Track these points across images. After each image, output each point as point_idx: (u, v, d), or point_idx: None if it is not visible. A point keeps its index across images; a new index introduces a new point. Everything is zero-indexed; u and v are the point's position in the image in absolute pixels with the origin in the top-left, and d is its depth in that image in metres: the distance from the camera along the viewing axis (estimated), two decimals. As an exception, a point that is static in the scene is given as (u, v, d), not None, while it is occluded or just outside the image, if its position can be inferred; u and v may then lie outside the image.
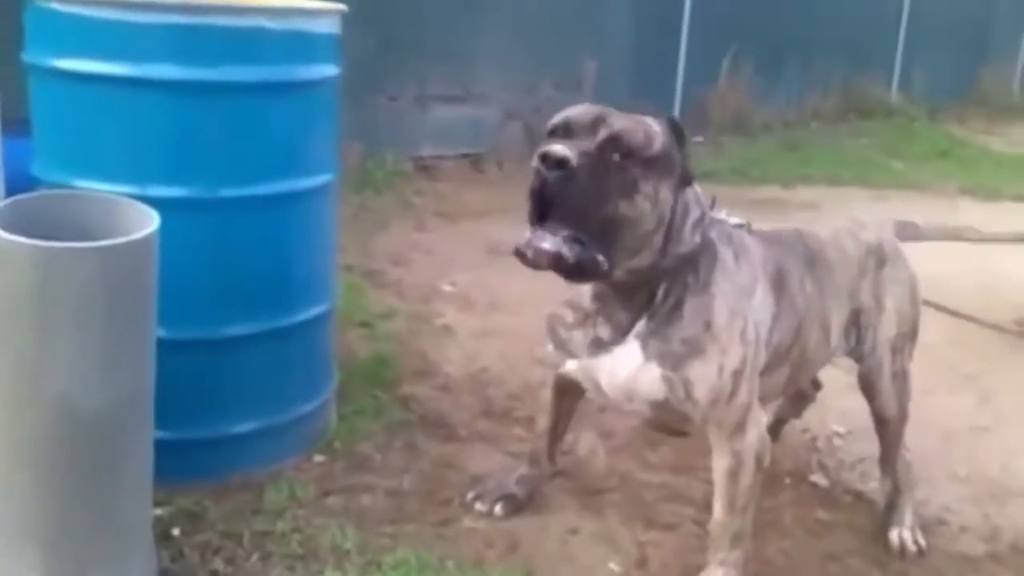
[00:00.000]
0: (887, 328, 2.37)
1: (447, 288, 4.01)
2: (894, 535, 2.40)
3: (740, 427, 2.01)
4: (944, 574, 2.33)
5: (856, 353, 2.39)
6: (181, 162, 2.24)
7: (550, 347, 2.17)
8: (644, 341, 1.94)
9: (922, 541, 2.39)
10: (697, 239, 1.93)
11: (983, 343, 3.83)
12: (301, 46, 2.35)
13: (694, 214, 1.94)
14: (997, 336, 3.88)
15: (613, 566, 2.23)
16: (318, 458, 2.55)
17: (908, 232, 2.61)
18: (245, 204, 2.29)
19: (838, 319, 2.30)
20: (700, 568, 2.15)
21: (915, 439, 2.59)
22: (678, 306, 1.93)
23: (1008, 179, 6.96)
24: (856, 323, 2.34)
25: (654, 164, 1.81)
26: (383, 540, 2.21)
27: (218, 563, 2.07)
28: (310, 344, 2.54)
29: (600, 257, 1.78)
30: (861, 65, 9.23)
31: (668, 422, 2.13)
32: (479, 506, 2.37)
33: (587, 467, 2.66)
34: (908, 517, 2.44)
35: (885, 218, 2.71)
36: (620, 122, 1.81)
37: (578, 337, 2.05)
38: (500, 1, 6.32)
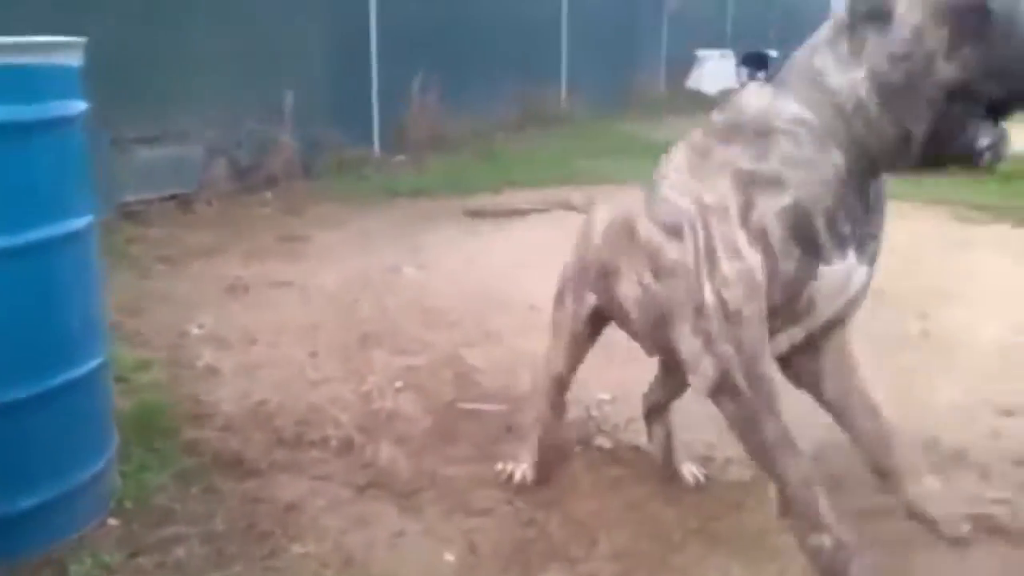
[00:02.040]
0: None
1: (195, 331, 3.85)
2: (686, 471, 2.68)
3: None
4: (727, 499, 2.63)
5: None
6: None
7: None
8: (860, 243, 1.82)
9: (704, 470, 2.71)
10: None
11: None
12: (43, 82, 2.19)
13: None
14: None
15: (448, 557, 2.30)
16: (112, 521, 2.38)
17: None
18: (7, 255, 2.10)
19: None
20: (527, 542, 2.30)
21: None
22: (879, 197, 1.85)
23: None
24: None
25: None
26: (215, 585, 2.13)
27: (41, 646, 1.89)
28: (91, 400, 2.36)
29: None
30: (534, 77, 9.96)
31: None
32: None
33: (393, 474, 2.70)
34: (684, 455, 2.73)
35: None
36: None
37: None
38: (193, 37, 6.12)
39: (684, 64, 14.38)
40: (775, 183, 1.74)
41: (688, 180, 1.90)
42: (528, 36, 9.91)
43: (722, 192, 1.79)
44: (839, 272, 1.79)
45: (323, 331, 3.84)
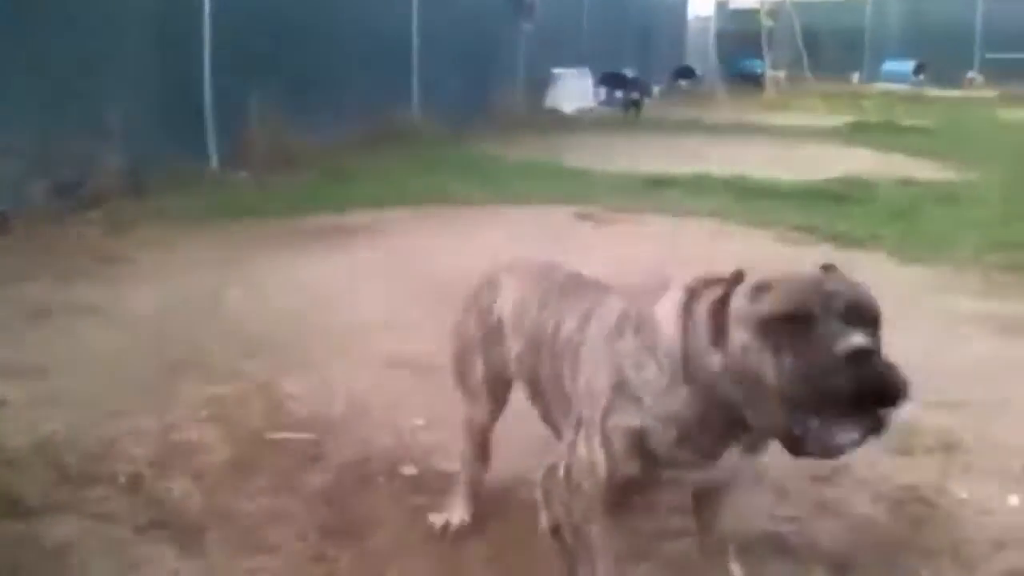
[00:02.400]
0: None
1: (-13, 360, 3.60)
2: None
3: None
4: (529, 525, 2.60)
5: None
6: None
7: None
8: None
9: None
10: None
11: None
12: None
13: None
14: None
15: (225, 599, 2.20)
16: None
17: None
18: None
19: None
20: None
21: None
22: None
23: (525, 184, 7.94)
24: None
25: None
26: (-41, 641, 1.96)
27: None
28: None
29: None
30: (384, 95, 9.88)
31: None
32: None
33: (181, 512, 2.57)
34: None
35: None
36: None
37: None
38: (8, 45, 5.78)
39: (542, 82, 14.57)
40: (635, 401, 1.86)
41: (600, 349, 1.98)
42: (378, 49, 9.81)
43: (603, 386, 1.92)
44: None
45: (129, 359, 3.65)
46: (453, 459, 2.92)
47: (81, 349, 3.75)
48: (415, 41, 10.67)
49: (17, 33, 5.92)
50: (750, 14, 23.88)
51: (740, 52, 23.27)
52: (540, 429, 2.37)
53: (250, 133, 7.74)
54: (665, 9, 22.66)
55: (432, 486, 2.80)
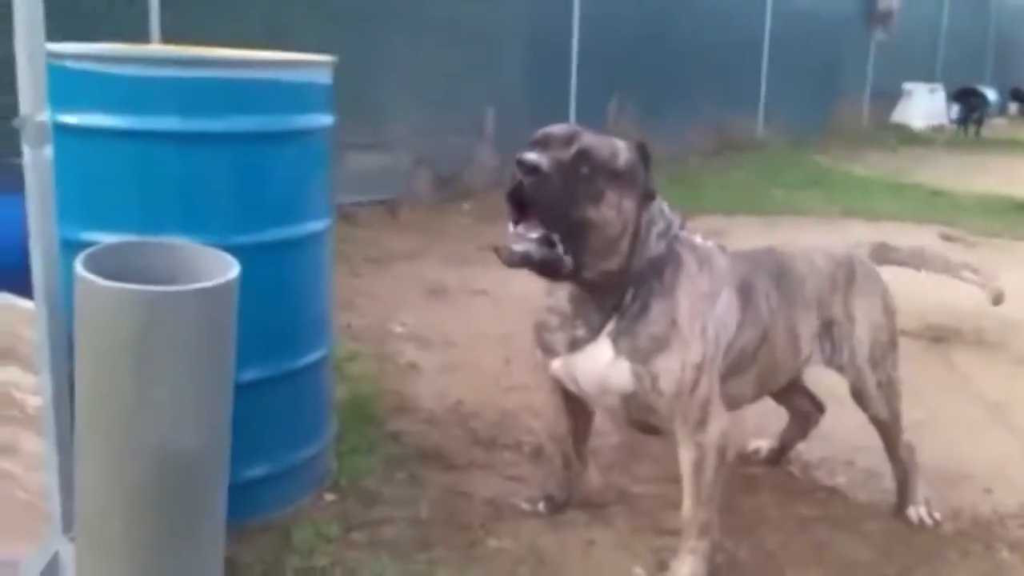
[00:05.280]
0: (862, 340, 2.56)
1: (399, 329, 4.09)
2: (912, 512, 2.66)
3: (703, 421, 2.20)
4: (924, 552, 2.56)
5: (835, 364, 2.58)
6: (191, 212, 2.27)
7: (539, 353, 2.33)
8: (615, 338, 2.14)
9: (937, 516, 2.67)
10: (663, 247, 2.14)
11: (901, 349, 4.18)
12: (301, 96, 2.43)
13: (659, 225, 2.15)
14: (911, 342, 4.24)
15: (638, 570, 2.37)
16: (329, 496, 2.60)
17: (881, 254, 2.79)
18: (256, 250, 2.30)
19: (808, 329, 2.51)
20: (715, 567, 2.32)
21: (864, 438, 2.83)
22: (645, 307, 2.13)
23: (878, 201, 7.58)
24: (830, 334, 2.55)
25: (618, 178, 2.02)
26: (419, 567, 2.28)
27: (270, 602, 2.09)
28: (317, 385, 2.59)
29: (567, 258, 1.97)
30: (731, 104, 9.88)
31: (638, 416, 2.30)
32: (525, 505, 2.59)
33: (584, 485, 2.79)
34: (920, 495, 2.69)
35: (862, 240, 2.85)
36: (591, 139, 2.02)
37: (560, 338, 2.23)
38: (405, 55, 6.48)
39: (890, 97, 13.83)
40: None
41: None
42: (728, 62, 9.84)
43: None
44: (572, 361, 2.23)
45: (515, 340, 3.97)
46: (835, 474, 2.95)
47: (475, 326, 4.15)
48: (765, 50, 10.57)
49: (414, 43, 6.61)
50: None
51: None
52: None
53: (605, 137, 8.09)
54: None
55: (816, 498, 2.83)
